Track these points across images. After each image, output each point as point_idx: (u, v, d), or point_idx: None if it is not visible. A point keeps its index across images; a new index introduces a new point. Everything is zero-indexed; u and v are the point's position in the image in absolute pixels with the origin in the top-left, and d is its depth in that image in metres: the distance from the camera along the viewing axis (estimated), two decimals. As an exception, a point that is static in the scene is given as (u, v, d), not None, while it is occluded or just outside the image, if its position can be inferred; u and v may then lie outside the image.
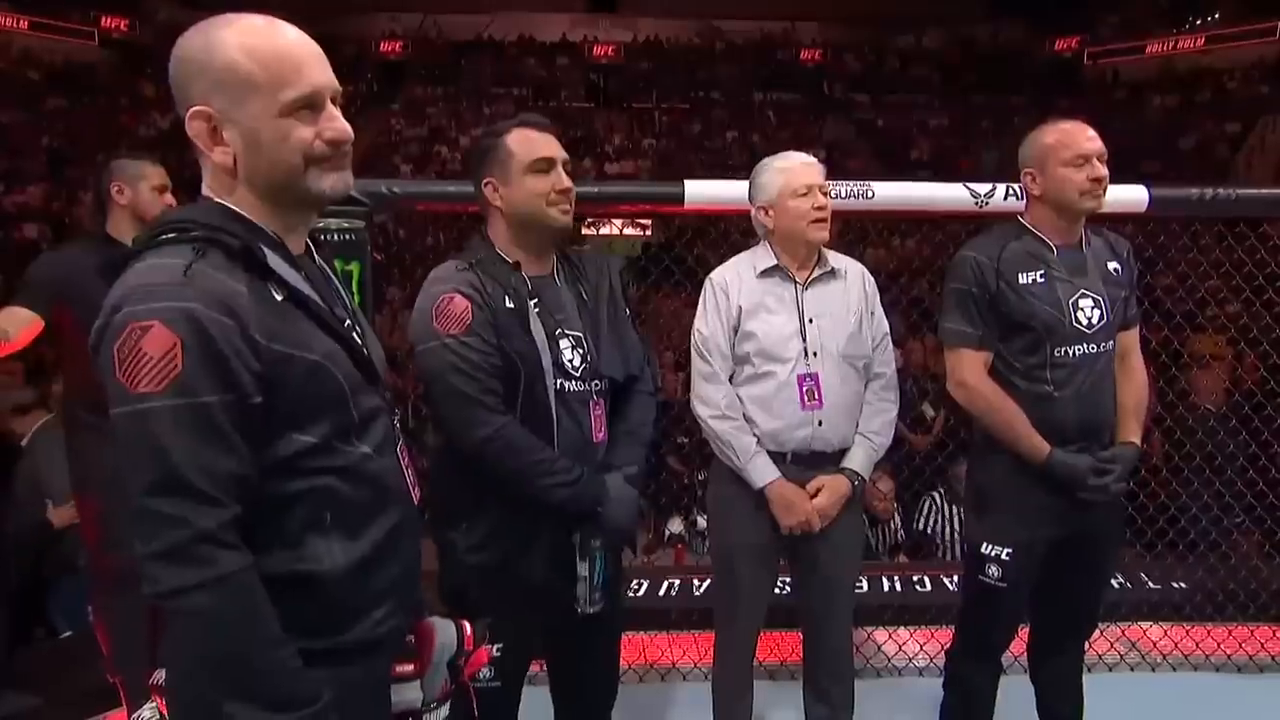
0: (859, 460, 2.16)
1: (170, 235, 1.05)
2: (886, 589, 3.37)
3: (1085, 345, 2.04)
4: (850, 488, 2.14)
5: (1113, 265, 2.13)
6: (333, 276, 1.24)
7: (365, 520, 1.13)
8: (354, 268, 2.22)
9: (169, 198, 2.56)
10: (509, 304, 1.70)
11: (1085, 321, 2.04)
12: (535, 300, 1.74)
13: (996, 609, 2.15)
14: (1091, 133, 2.06)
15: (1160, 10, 21.32)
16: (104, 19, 20.65)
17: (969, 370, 2.09)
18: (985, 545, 2.11)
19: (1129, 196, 2.61)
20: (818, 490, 2.12)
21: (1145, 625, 3.09)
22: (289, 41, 1.09)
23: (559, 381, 1.74)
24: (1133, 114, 18.76)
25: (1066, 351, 2.04)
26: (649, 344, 1.99)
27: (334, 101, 1.12)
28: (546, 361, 1.72)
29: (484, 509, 1.74)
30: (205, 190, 1.13)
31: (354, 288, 2.19)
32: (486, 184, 1.77)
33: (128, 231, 2.51)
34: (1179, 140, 16.93)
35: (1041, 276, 2.05)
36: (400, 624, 1.20)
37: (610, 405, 1.85)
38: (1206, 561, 3.46)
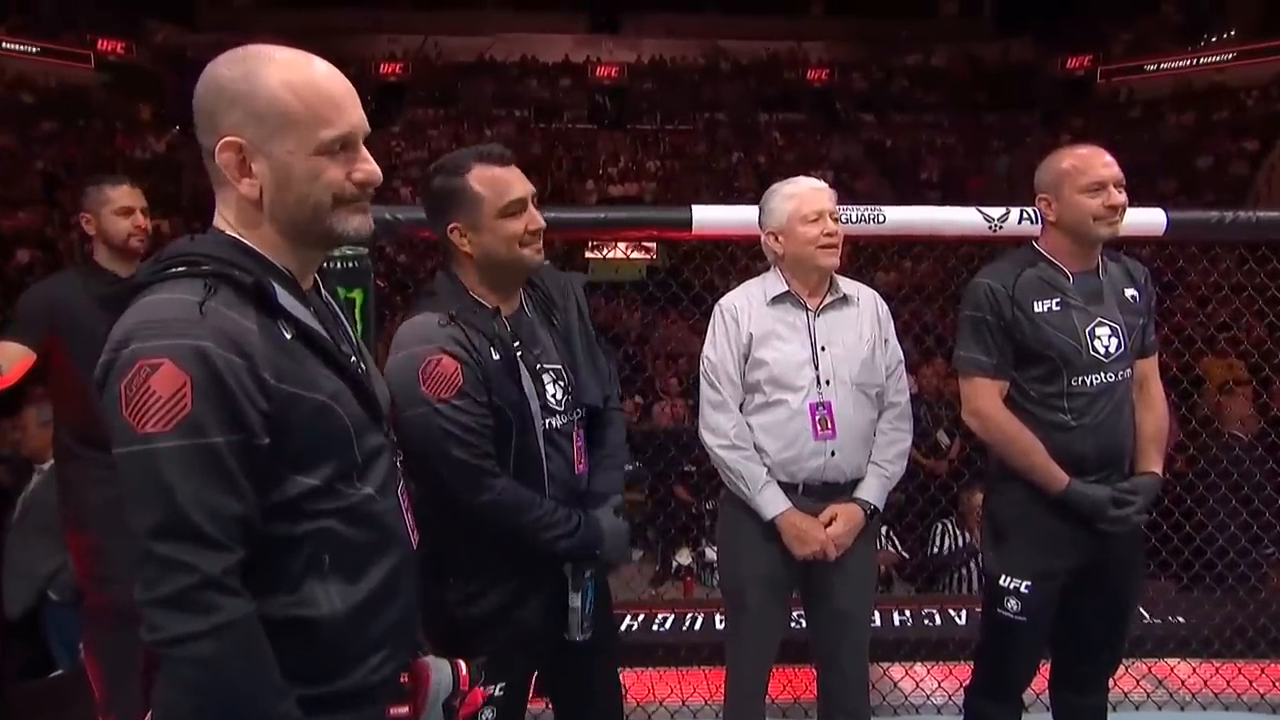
0: (872, 490, 2.16)
1: (179, 269, 1.04)
2: (902, 622, 3.35)
3: (1103, 374, 2.05)
4: (864, 517, 2.14)
5: (1130, 292, 2.14)
6: (338, 309, 1.25)
7: (365, 563, 1.13)
8: (357, 295, 2.23)
9: (138, 218, 2.52)
10: (495, 355, 1.67)
11: (1103, 351, 2.05)
12: (518, 344, 1.73)
13: (1015, 643, 2.14)
14: (1108, 158, 2.07)
15: (1174, 27, 21.51)
16: (100, 42, 20.91)
17: (984, 399, 2.10)
18: (1004, 578, 2.11)
19: (1146, 220, 2.62)
20: (831, 519, 2.12)
21: (1173, 662, 3.06)
22: (329, 79, 1.11)
23: (546, 421, 1.73)
24: (1147, 133, 18.87)
25: (1084, 381, 2.04)
26: (611, 355, 1.98)
27: (364, 142, 1.14)
28: (535, 407, 1.71)
29: (480, 562, 1.73)
30: (218, 222, 1.13)
31: (356, 316, 2.21)
32: (452, 230, 1.69)
33: (109, 259, 2.53)
34: (1195, 159, 16.99)
35: (1058, 305, 2.06)
36: (397, 668, 1.20)
37: (587, 427, 1.86)
38: (1236, 595, 3.43)
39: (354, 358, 1.18)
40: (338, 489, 1.10)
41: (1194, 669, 3.04)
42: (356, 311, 2.21)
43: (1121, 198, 2.04)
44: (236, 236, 1.11)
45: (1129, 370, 2.10)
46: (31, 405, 3.60)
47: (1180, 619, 3.33)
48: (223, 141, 1.07)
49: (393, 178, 17.37)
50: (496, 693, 1.69)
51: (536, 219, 1.71)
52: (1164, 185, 15.00)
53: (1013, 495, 2.11)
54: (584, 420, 1.83)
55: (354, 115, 1.11)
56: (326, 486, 1.09)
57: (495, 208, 1.67)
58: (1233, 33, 20.37)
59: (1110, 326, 2.07)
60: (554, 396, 1.75)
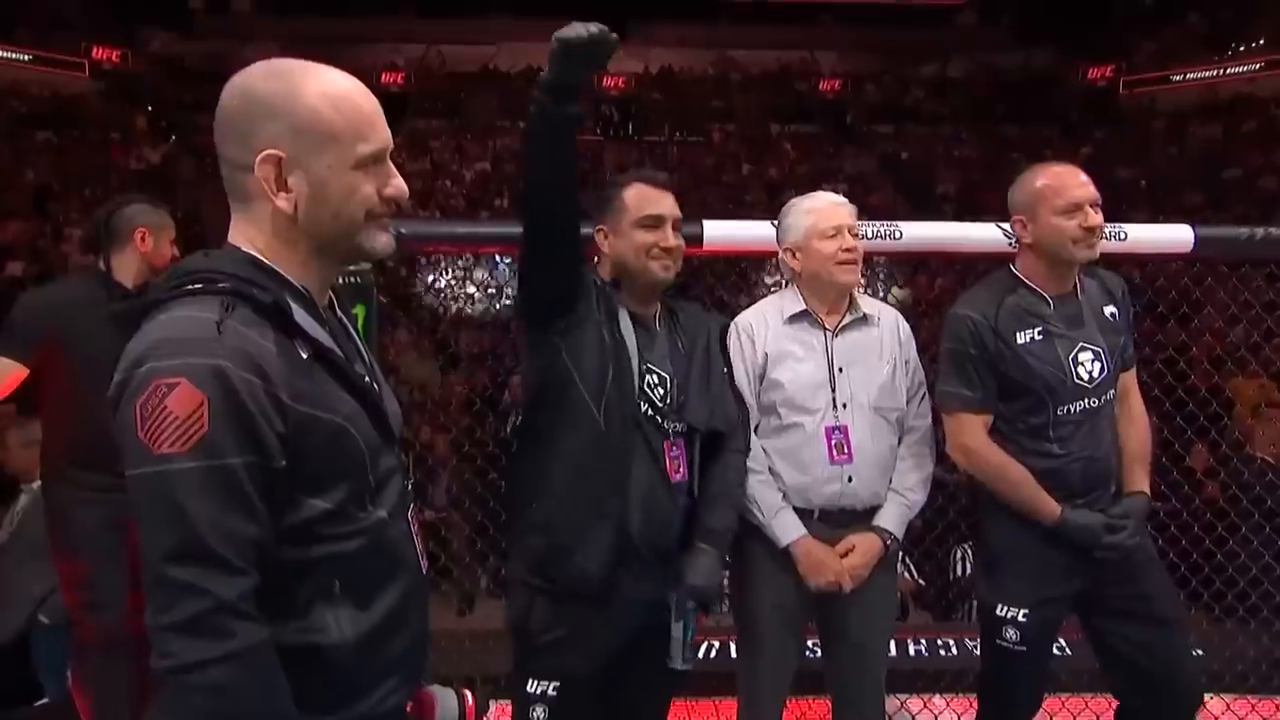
0: (891, 519, 2.15)
1: (196, 286, 1.05)
2: (918, 652, 3.33)
3: (1087, 400, 2.08)
4: (883, 547, 2.13)
5: (1109, 310, 2.16)
6: (351, 329, 1.27)
7: (375, 590, 1.13)
8: (359, 311, 2.25)
9: (175, 250, 2.65)
10: (605, 306, 1.89)
11: (1086, 377, 2.08)
12: (633, 328, 1.91)
13: (1015, 674, 2.15)
14: (1084, 177, 2.08)
15: (1200, 36, 21.55)
16: (95, 49, 21.13)
17: (970, 434, 2.12)
18: (1000, 607, 2.12)
19: (1173, 236, 2.62)
20: (848, 550, 2.11)
21: (1208, 697, 3.03)
22: (365, 95, 1.15)
23: (644, 406, 1.85)
24: (1173, 145, 18.88)
25: (1069, 410, 2.07)
26: (747, 408, 2.11)
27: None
28: (635, 365, 1.85)
29: (547, 491, 1.86)
30: (234, 238, 1.14)
31: (359, 331, 2.22)
32: (599, 231, 1.98)
33: (131, 275, 2.56)
34: (1222, 172, 16.98)
35: (1040, 334, 2.08)
36: (406, 698, 1.20)
37: (702, 458, 1.95)
38: (1272, 628, 3.40)
39: (367, 377, 1.19)
40: (351, 513, 1.11)
41: (1228, 705, 3.01)
42: (359, 327, 2.23)
43: (1098, 218, 2.05)
44: (254, 254, 1.12)
45: (1112, 392, 2.13)
46: (11, 425, 3.61)
47: (1214, 652, 3.29)
48: (265, 154, 1.09)
49: (393, 190, 17.49)
50: (550, 691, 1.79)
51: (670, 238, 1.94)
52: (1190, 199, 14.95)
53: (1004, 524, 2.13)
54: (688, 438, 1.93)
55: (385, 131, 1.15)
56: (339, 510, 1.10)
57: (634, 218, 1.93)
58: (1261, 41, 20.40)
59: (1093, 351, 2.09)
60: (654, 392, 1.90)
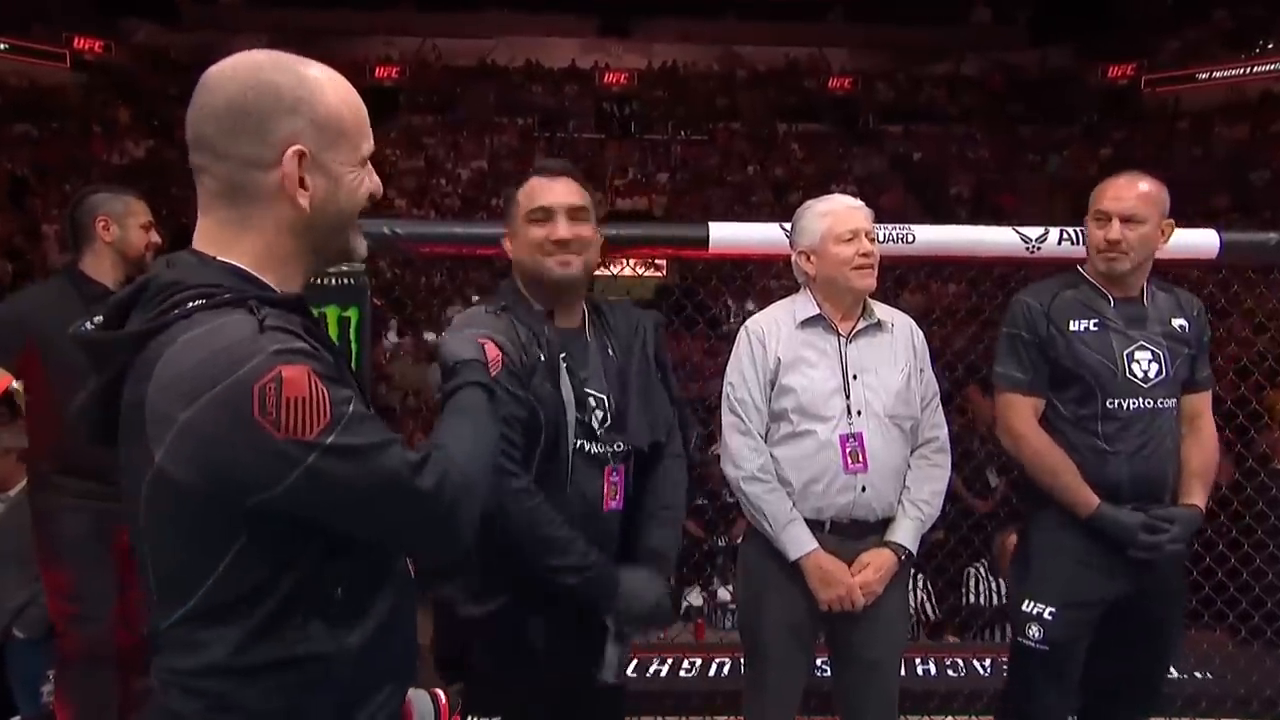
0: (905, 533, 2.16)
1: (200, 302, 1.02)
2: (933, 673, 3.33)
3: (1141, 399, 2.12)
4: (896, 562, 2.14)
5: (1179, 321, 2.20)
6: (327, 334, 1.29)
7: (372, 597, 1.14)
8: (352, 313, 2.26)
9: (153, 234, 2.63)
10: (540, 355, 1.78)
11: (1141, 375, 2.12)
12: (564, 354, 1.81)
13: (1036, 675, 2.17)
14: (1122, 192, 2.15)
15: (1225, 33, 21.60)
16: (76, 39, 21.19)
17: (1017, 416, 2.19)
18: (1027, 602, 2.16)
19: (1197, 241, 2.63)
20: (861, 568, 2.12)
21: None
22: (355, 91, 1.16)
23: (579, 441, 1.79)
24: (1197, 146, 18.92)
25: (1120, 404, 2.11)
26: (683, 404, 2.05)
27: None
28: (570, 417, 1.78)
29: (483, 557, 1.72)
30: (204, 245, 1.10)
31: (352, 335, 2.24)
32: (505, 236, 1.92)
33: (108, 270, 2.56)
34: (1249, 174, 17.02)
35: (1095, 325, 2.14)
36: (399, 703, 1.21)
37: (638, 471, 1.90)
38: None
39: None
40: None
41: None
42: (352, 330, 2.25)
43: (1117, 234, 2.12)
44: (231, 263, 1.09)
45: (1173, 400, 2.16)
46: None
47: (1240, 675, 3.28)
48: (292, 151, 1.07)
49: (388, 188, 17.54)
50: None
51: (560, 229, 1.81)
52: (1216, 203, 15.00)
53: (1045, 520, 2.18)
54: (626, 458, 1.87)
55: (369, 130, 1.18)
56: None
57: (523, 213, 1.85)
58: (1290, 38, 20.45)
59: (1151, 351, 2.14)
60: (592, 421, 1.81)
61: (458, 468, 1.10)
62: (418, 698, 1.29)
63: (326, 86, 1.11)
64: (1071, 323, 2.15)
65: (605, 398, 1.85)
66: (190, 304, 1.02)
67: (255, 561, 1.02)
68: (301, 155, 1.08)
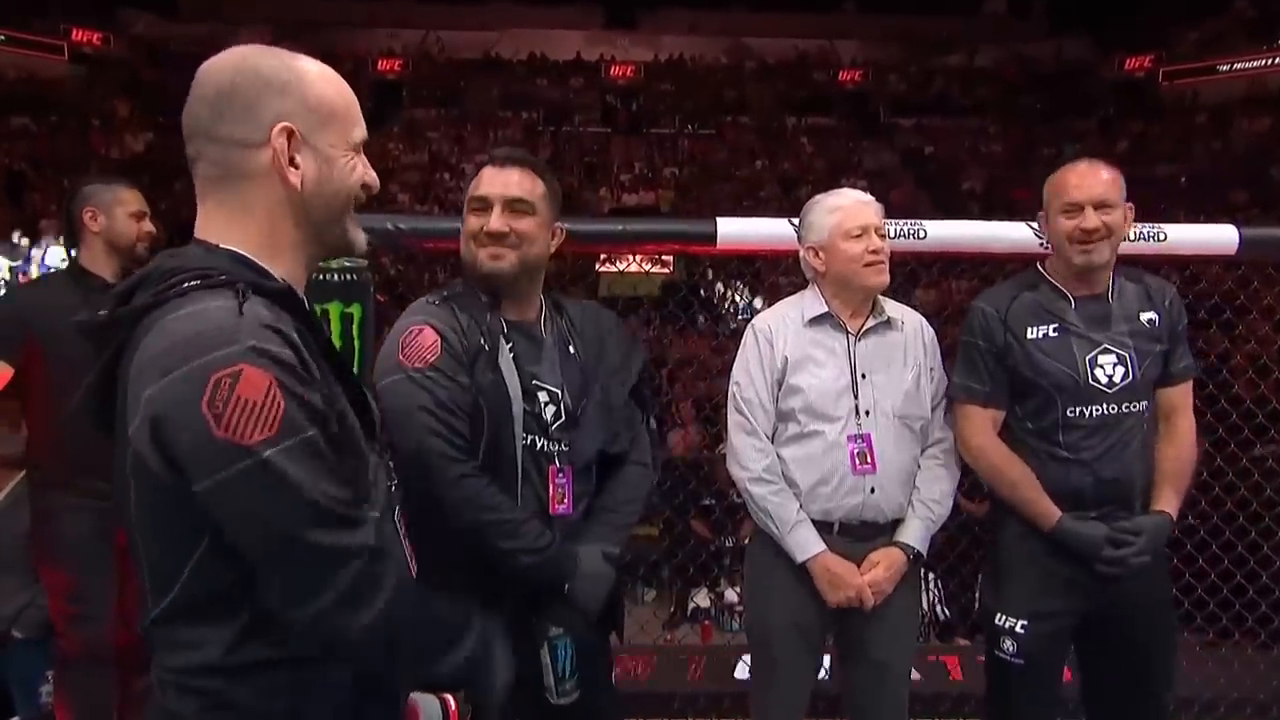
0: (915, 533, 2.16)
1: (193, 283, 1.05)
2: (944, 675, 3.33)
3: (1105, 406, 2.07)
4: (906, 562, 2.14)
5: (1147, 316, 2.14)
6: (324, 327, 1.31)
7: (372, 591, 1.13)
8: (355, 310, 2.26)
9: (146, 224, 2.62)
10: (482, 343, 1.75)
11: (1105, 380, 2.08)
12: (510, 345, 1.78)
13: (1014, 689, 2.16)
14: (1095, 177, 2.08)
15: (1246, 24, 21.49)
16: (75, 31, 21.25)
17: (975, 428, 2.16)
18: (1000, 616, 2.15)
19: (1216, 237, 2.62)
20: (870, 567, 2.12)
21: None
22: (347, 85, 1.20)
23: (529, 437, 1.77)
24: (1216, 140, 18.84)
25: (1081, 412, 2.08)
26: (652, 406, 2.02)
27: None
28: (517, 409, 1.75)
29: (436, 567, 1.62)
30: (206, 234, 1.13)
31: (355, 332, 2.24)
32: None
33: (103, 263, 2.58)
34: (1270, 168, 16.95)
35: (1055, 330, 2.10)
36: (402, 702, 1.22)
37: (597, 475, 1.86)
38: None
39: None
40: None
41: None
42: (355, 326, 2.25)
43: (1095, 221, 2.05)
44: (240, 251, 1.12)
45: (1142, 403, 2.11)
46: None
47: (1217, 682, 3.25)
48: (279, 127, 1.11)
49: (391, 183, 17.57)
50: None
51: (493, 222, 1.78)
52: (1235, 197, 14.93)
53: (1011, 530, 2.16)
54: (574, 459, 1.82)
55: (362, 120, 1.21)
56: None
57: (467, 201, 1.84)
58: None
59: (1116, 354, 2.09)
60: (541, 415, 1.78)
61: (384, 594, 1.06)
62: (425, 703, 1.29)
63: (314, 71, 1.16)
64: (1029, 330, 2.10)
65: (559, 392, 1.81)
66: (186, 284, 1.05)
67: (229, 554, 1.02)
68: (291, 133, 1.12)
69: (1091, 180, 2.08)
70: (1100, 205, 2.06)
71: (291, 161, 1.13)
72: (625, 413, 1.90)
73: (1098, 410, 2.07)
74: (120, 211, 2.59)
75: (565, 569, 1.74)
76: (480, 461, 1.72)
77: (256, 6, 21.94)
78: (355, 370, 2.23)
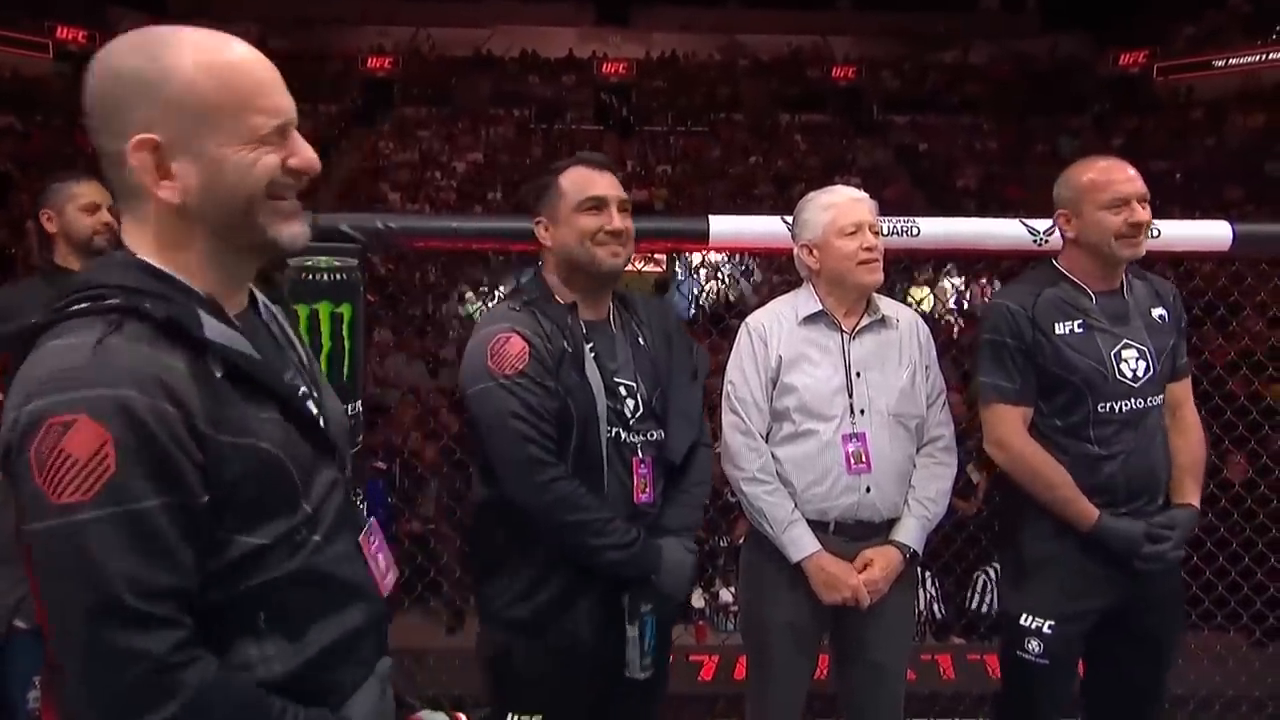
0: (910, 532, 2.16)
1: (82, 306, 0.98)
2: (940, 674, 3.34)
3: (1132, 400, 2.11)
4: (902, 561, 2.15)
5: (1157, 312, 2.19)
6: (286, 328, 1.21)
7: (310, 619, 1.08)
8: (345, 310, 2.25)
9: (102, 215, 2.60)
10: (566, 346, 1.85)
11: (1130, 374, 2.11)
12: (591, 345, 1.87)
13: (1037, 690, 2.17)
14: (1132, 172, 2.13)
15: (1242, 19, 21.58)
16: (60, 29, 21.16)
17: (1007, 428, 2.16)
18: (1025, 617, 2.15)
19: (1210, 233, 2.63)
20: (865, 565, 2.12)
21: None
22: (249, 60, 1.06)
23: (613, 430, 1.86)
24: (1211, 135, 18.90)
25: (1111, 407, 2.10)
26: (704, 390, 2.12)
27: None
28: (601, 407, 1.84)
29: (528, 559, 1.85)
30: (127, 240, 1.07)
31: (345, 332, 2.23)
32: (538, 223, 1.94)
33: (72, 260, 2.59)
34: (1265, 164, 17.02)
35: (1080, 326, 2.12)
36: None
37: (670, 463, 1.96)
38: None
39: (303, 387, 1.15)
40: (286, 546, 1.05)
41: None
42: (345, 327, 2.24)
43: (1145, 215, 2.09)
44: (146, 259, 1.04)
45: (1160, 396, 2.16)
46: None
47: (1220, 677, 3.28)
48: (136, 139, 1.00)
49: (380, 181, 17.54)
50: None
51: (615, 220, 1.89)
52: (1229, 193, 15.00)
53: (1038, 530, 2.16)
54: (656, 447, 1.93)
55: (283, 99, 1.08)
56: (273, 545, 1.04)
57: (573, 203, 1.89)
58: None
59: (1138, 349, 2.13)
60: (623, 411, 1.88)
61: (173, 705, 0.92)
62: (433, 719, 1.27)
63: (189, 63, 1.02)
64: (1057, 326, 2.12)
65: (636, 385, 1.91)
66: (75, 307, 0.98)
67: None
68: (153, 145, 1.01)
69: (1133, 175, 2.12)
70: (1142, 199, 2.10)
71: (166, 174, 1.02)
72: (697, 401, 2.03)
73: (1126, 405, 2.11)
74: (71, 207, 2.58)
75: (651, 562, 1.86)
76: (570, 461, 1.82)
77: (246, 4, 21.86)
78: (346, 371, 2.23)
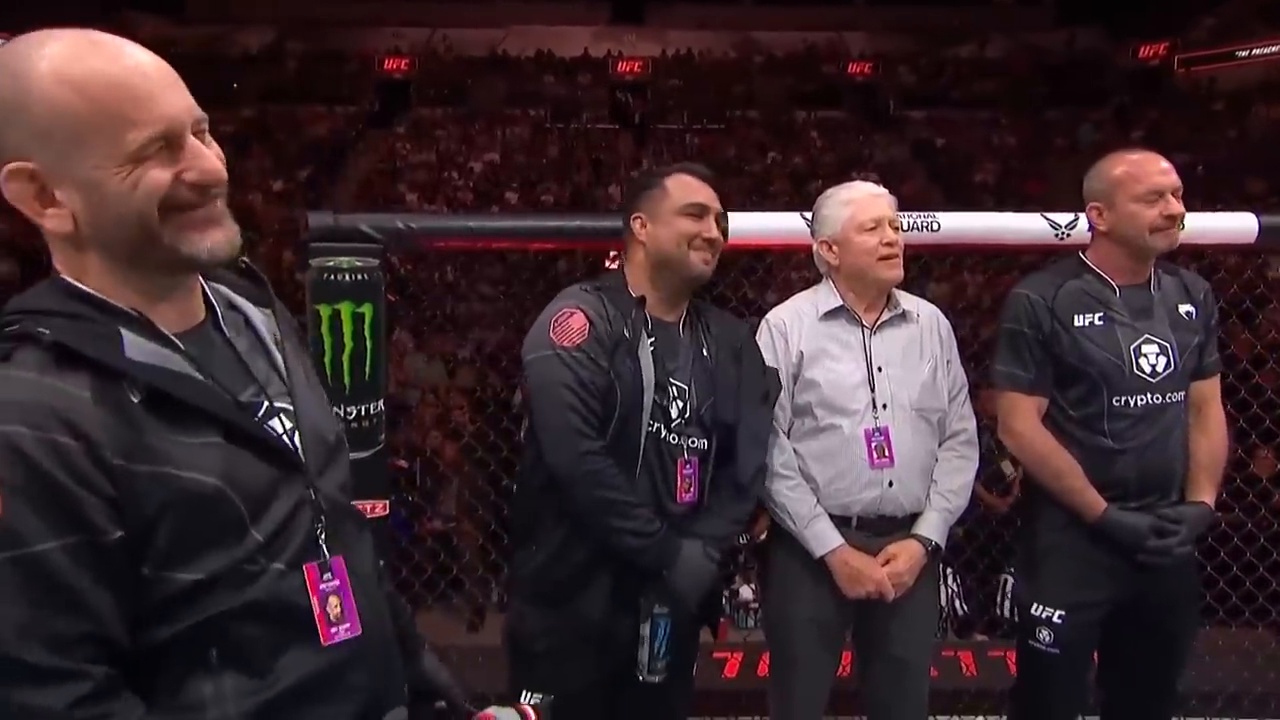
0: (933, 526, 2.16)
1: None
2: (962, 671, 3.33)
3: (1149, 395, 2.10)
4: (924, 554, 2.14)
5: (1185, 308, 2.17)
6: (265, 336, 1.12)
7: (275, 652, 1.01)
8: (366, 310, 2.27)
9: None
10: (625, 333, 1.90)
11: (1149, 370, 2.10)
12: (653, 340, 1.91)
13: (1049, 680, 2.18)
14: (1165, 165, 2.12)
15: (1265, 8, 21.30)
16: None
17: (1020, 416, 2.17)
18: (1036, 607, 2.16)
19: (1235, 225, 2.60)
20: (888, 559, 2.12)
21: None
22: (127, 66, 0.94)
23: (655, 425, 1.88)
24: (1234, 127, 18.70)
25: (1127, 401, 2.09)
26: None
27: (198, 133, 0.98)
28: (647, 400, 1.87)
29: (552, 533, 1.90)
30: (55, 261, 1.00)
31: (367, 332, 2.24)
32: (635, 218, 1.99)
33: None
34: (1289, 157, 16.83)
35: (1100, 319, 2.11)
36: None
37: (715, 460, 1.98)
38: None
39: (266, 404, 1.06)
40: (230, 579, 0.97)
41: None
42: (366, 327, 2.25)
43: (1179, 207, 2.08)
44: (69, 280, 0.98)
45: (1181, 393, 2.14)
46: None
47: (1214, 674, 3.23)
48: (8, 170, 0.92)
49: (397, 182, 17.62)
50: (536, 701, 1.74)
51: (713, 229, 1.95)
52: (1253, 186, 14.81)
53: (1050, 520, 2.17)
54: (702, 453, 1.97)
55: (171, 104, 0.95)
56: (214, 579, 0.96)
57: (676, 205, 1.95)
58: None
59: (1159, 344, 2.11)
60: (670, 410, 1.92)
61: None
62: (503, 716, 1.26)
63: (47, 77, 0.91)
64: (1076, 317, 2.12)
65: (688, 390, 1.94)
66: None
67: None
68: (29, 173, 0.92)
69: (1167, 168, 2.12)
70: (1176, 192, 2.09)
71: (50, 202, 0.94)
72: (765, 417, 2.06)
73: (1142, 400, 2.10)
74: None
75: (668, 556, 1.87)
76: (606, 442, 1.85)
77: (262, 8, 22.03)
78: (368, 371, 2.24)
